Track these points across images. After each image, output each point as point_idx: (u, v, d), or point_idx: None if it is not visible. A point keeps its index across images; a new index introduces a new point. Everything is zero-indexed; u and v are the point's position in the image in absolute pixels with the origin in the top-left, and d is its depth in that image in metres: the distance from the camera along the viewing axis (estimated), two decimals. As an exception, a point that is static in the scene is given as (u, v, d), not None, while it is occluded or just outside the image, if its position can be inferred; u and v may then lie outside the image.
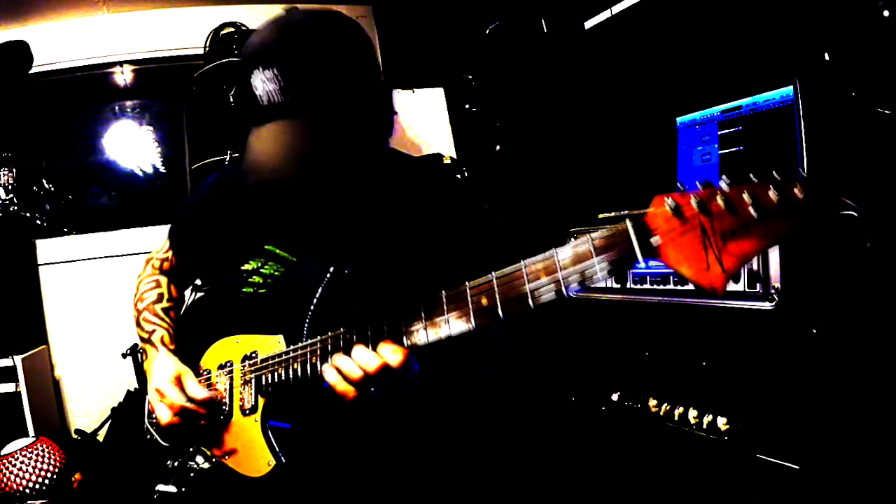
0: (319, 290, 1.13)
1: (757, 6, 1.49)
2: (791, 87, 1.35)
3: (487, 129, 2.68)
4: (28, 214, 3.20)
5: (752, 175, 0.71)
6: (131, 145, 3.71)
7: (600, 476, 1.71)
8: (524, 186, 2.40)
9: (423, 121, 3.13)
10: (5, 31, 3.22)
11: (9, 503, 2.28)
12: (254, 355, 1.21)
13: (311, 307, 1.12)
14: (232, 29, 3.13)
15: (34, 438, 2.45)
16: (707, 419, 1.42)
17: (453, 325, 0.93)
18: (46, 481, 2.35)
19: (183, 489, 1.17)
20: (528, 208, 2.34)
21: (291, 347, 1.13)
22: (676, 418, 1.48)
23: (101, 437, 2.88)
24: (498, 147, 2.58)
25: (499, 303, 0.88)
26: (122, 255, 3.31)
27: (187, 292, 1.51)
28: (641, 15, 1.82)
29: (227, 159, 2.95)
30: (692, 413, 1.45)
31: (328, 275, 1.13)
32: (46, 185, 3.35)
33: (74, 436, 2.96)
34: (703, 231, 0.73)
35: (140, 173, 3.73)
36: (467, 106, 3.00)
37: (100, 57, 3.48)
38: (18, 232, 3.16)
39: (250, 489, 1.15)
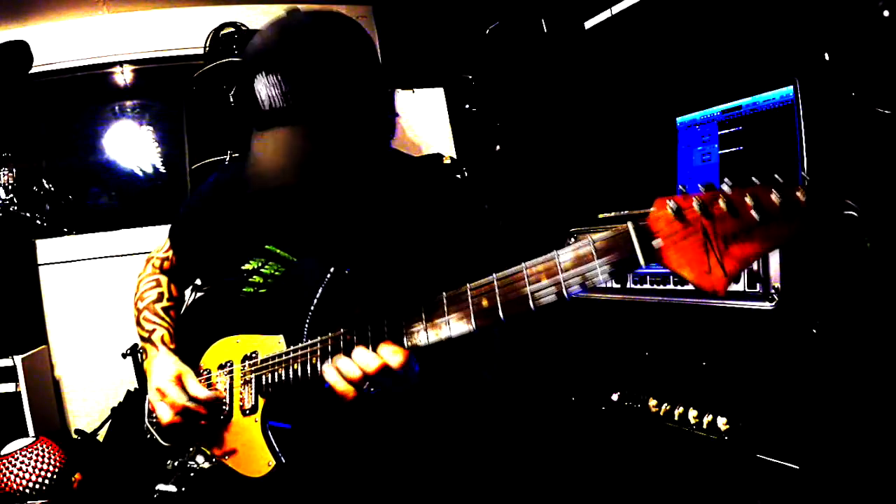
0: (320, 291, 1.12)
1: (757, 6, 1.49)
2: (791, 87, 1.36)
3: (487, 129, 2.68)
4: (28, 214, 3.19)
5: (754, 178, 0.71)
6: (131, 145, 3.71)
7: (601, 476, 1.71)
8: (524, 186, 2.40)
9: (423, 121, 3.13)
10: (5, 31, 3.22)
11: (9, 503, 2.28)
12: (254, 355, 1.21)
13: (312, 307, 1.12)
14: (232, 29, 3.13)
15: (34, 438, 2.45)
16: (707, 419, 1.42)
17: (454, 326, 0.93)
18: (46, 481, 2.34)
19: (183, 489, 1.17)
20: (528, 208, 2.34)
21: (291, 348, 1.13)
22: (676, 418, 1.48)
23: (101, 437, 2.87)
24: (498, 147, 2.58)
25: (499, 304, 0.88)
26: (122, 255, 3.31)
27: (187, 292, 1.52)
28: (641, 15, 1.82)
29: (227, 159, 2.95)
30: (692, 413, 1.45)
31: (329, 275, 1.13)
32: (46, 185, 3.35)
33: (74, 436, 2.95)
34: (704, 234, 0.72)
35: (140, 173, 3.73)
36: (467, 106, 3.00)
37: (100, 57, 3.48)
38: (18, 232, 3.16)
39: (250, 489, 1.15)
